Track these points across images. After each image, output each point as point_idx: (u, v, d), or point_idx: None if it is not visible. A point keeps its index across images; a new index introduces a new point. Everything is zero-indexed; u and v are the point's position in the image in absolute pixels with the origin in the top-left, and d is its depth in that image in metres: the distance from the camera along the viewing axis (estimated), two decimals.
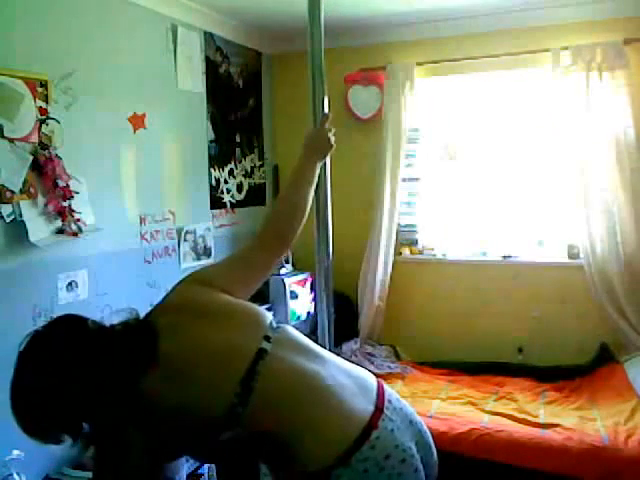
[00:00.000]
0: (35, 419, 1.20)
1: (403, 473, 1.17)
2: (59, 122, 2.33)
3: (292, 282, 3.52)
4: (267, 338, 1.21)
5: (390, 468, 1.14)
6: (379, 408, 1.21)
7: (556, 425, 2.65)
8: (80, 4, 2.49)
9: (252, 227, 3.85)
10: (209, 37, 3.38)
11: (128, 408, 1.11)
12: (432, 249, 3.80)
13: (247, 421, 1.13)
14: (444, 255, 3.73)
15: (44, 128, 2.27)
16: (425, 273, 3.77)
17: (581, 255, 3.35)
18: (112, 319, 1.21)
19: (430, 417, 2.80)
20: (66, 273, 2.39)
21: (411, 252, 3.81)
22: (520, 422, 2.73)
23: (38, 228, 2.22)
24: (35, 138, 2.23)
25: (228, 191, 3.59)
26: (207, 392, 1.14)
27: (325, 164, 1.60)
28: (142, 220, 2.87)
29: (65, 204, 2.32)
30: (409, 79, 3.56)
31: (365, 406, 1.20)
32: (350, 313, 3.79)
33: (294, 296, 3.51)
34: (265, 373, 1.15)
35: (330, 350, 1.49)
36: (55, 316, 1.23)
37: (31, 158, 2.20)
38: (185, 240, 3.14)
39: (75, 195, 2.36)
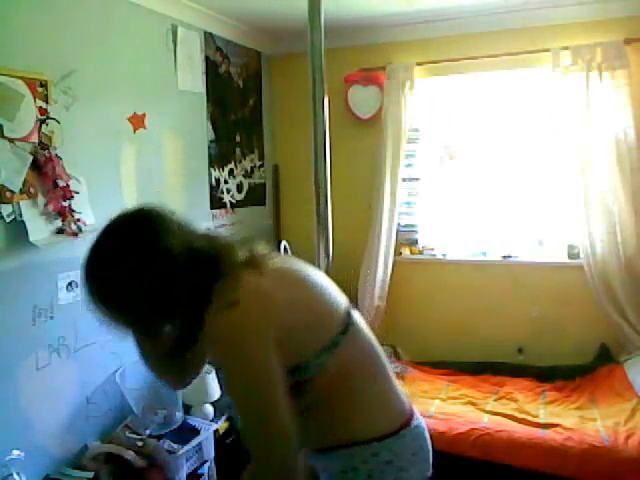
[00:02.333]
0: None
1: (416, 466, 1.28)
2: (59, 122, 2.33)
3: None
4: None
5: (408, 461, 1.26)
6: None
7: (556, 425, 2.65)
8: (80, 4, 2.49)
9: (252, 227, 3.85)
10: (209, 37, 3.38)
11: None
12: (432, 249, 3.80)
13: (337, 358, 1.21)
14: (444, 255, 3.74)
15: (44, 128, 2.27)
16: (425, 273, 3.77)
17: (581, 255, 3.35)
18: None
19: (430, 417, 2.80)
20: (66, 273, 2.39)
21: (411, 252, 3.81)
22: (520, 422, 2.73)
23: (38, 228, 2.22)
24: (35, 138, 2.23)
25: (228, 191, 3.59)
26: (321, 313, 1.24)
27: (325, 163, 1.60)
28: None
29: (65, 204, 2.32)
30: (409, 79, 3.56)
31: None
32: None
33: None
34: (354, 330, 1.27)
35: None
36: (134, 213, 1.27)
37: (31, 158, 2.20)
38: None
39: (75, 195, 2.36)
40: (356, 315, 1.33)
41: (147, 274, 1.14)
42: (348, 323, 1.27)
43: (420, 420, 1.33)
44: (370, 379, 1.28)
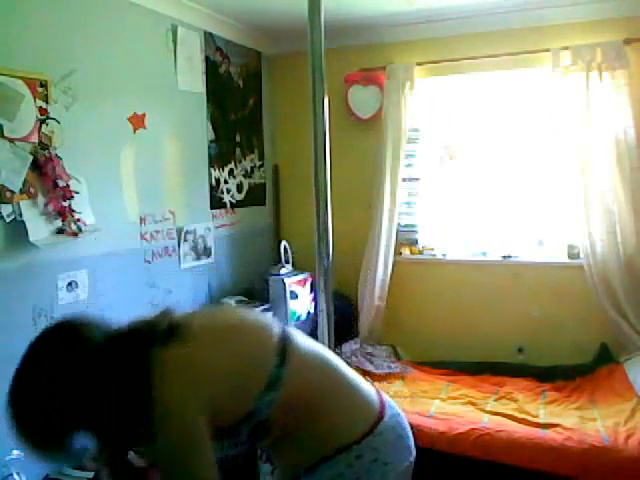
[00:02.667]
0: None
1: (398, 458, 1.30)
2: (59, 122, 2.33)
3: (292, 282, 3.51)
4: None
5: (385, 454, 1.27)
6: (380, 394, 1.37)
7: (556, 425, 2.65)
8: (80, 4, 2.49)
9: (252, 227, 3.85)
10: (209, 37, 3.38)
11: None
12: (432, 249, 3.80)
13: (285, 389, 1.20)
14: (444, 255, 3.74)
15: (44, 128, 2.27)
16: (425, 273, 3.77)
17: (581, 255, 3.35)
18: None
19: (430, 417, 2.80)
20: (66, 273, 2.39)
21: (411, 252, 3.81)
22: (520, 422, 2.73)
23: (38, 228, 2.22)
24: (35, 138, 2.23)
25: (228, 191, 3.59)
26: (250, 354, 1.23)
27: (325, 163, 1.60)
28: (142, 220, 2.87)
29: (65, 204, 2.32)
30: (409, 79, 3.56)
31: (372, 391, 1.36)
32: (350, 313, 3.79)
33: (294, 296, 3.50)
34: (293, 354, 1.25)
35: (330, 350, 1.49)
36: (52, 324, 1.23)
37: (31, 158, 2.20)
38: (185, 240, 3.14)
39: (75, 195, 2.36)
40: (295, 337, 1.31)
41: (80, 374, 1.12)
42: (284, 351, 1.25)
43: (393, 407, 1.34)
44: (329, 392, 1.28)
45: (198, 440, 1.13)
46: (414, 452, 1.35)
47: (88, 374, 1.12)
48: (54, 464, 1.23)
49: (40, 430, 1.13)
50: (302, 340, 1.32)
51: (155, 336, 1.18)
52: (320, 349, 1.35)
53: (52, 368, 1.13)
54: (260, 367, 1.22)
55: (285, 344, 1.26)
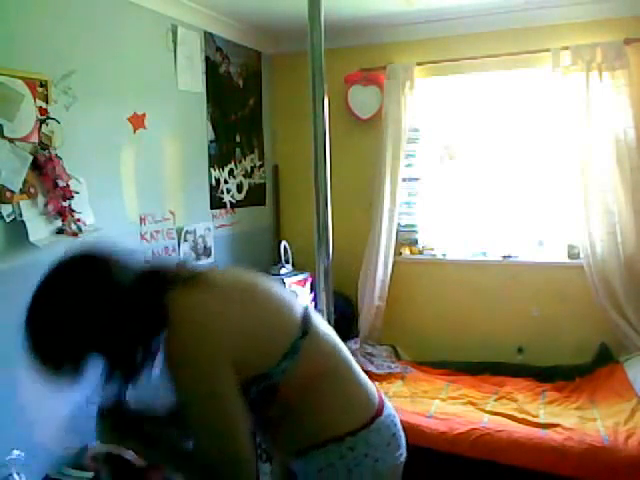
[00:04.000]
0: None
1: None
2: (59, 122, 2.33)
3: (292, 282, 3.51)
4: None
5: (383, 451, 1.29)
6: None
7: (556, 425, 2.65)
8: (81, 4, 2.49)
9: (252, 227, 3.85)
10: (209, 37, 3.38)
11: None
12: (432, 249, 3.80)
13: (299, 363, 1.22)
14: (444, 255, 3.74)
15: (44, 128, 2.27)
16: (425, 273, 3.77)
17: (581, 255, 3.35)
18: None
19: (430, 417, 2.80)
20: None
21: (411, 252, 3.81)
22: (520, 422, 2.73)
23: (38, 228, 2.22)
24: (35, 138, 2.23)
25: (228, 191, 3.59)
26: (275, 321, 1.25)
27: (325, 163, 1.60)
28: (142, 220, 2.87)
29: (65, 204, 2.32)
30: (409, 79, 3.56)
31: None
32: (350, 313, 3.79)
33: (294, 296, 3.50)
34: (313, 332, 1.28)
35: None
36: (78, 250, 1.33)
37: (31, 158, 2.20)
38: (185, 240, 3.14)
39: (75, 195, 2.36)
40: (315, 317, 1.34)
41: (98, 306, 1.15)
42: (306, 327, 1.28)
43: (390, 408, 1.36)
44: (335, 377, 1.30)
45: (215, 384, 1.14)
46: (405, 453, 1.35)
47: (105, 306, 1.15)
48: (62, 383, 1.32)
49: (53, 350, 1.24)
50: (320, 322, 1.35)
51: (176, 279, 1.21)
52: (334, 335, 1.37)
53: (73, 294, 1.20)
54: (283, 336, 1.24)
55: (307, 321, 1.29)
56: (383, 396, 1.38)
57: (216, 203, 3.48)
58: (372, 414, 1.29)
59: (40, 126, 2.25)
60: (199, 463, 1.15)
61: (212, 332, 1.15)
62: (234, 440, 1.13)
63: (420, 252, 3.82)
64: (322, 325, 1.35)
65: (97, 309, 1.15)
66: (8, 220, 2.13)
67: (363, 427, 1.26)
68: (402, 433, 1.35)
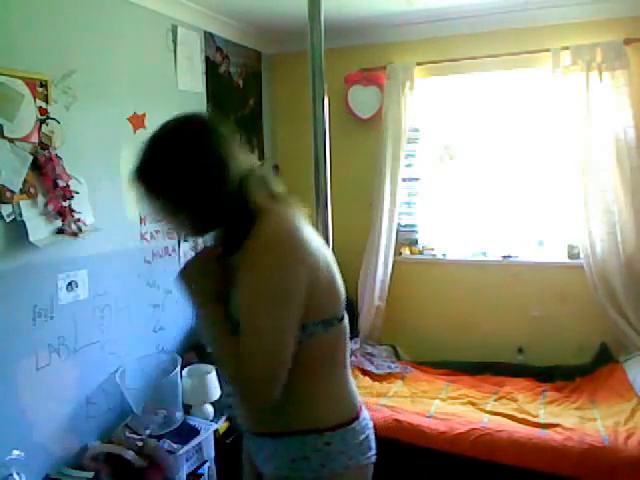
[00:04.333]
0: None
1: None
2: (59, 122, 2.33)
3: None
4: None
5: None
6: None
7: (556, 425, 2.65)
8: (80, 4, 2.49)
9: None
10: (209, 37, 3.38)
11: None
12: (432, 249, 3.80)
13: (324, 338, 1.25)
14: (444, 255, 3.74)
15: (44, 128, 2.27)
16: (425, 273, 3.77)
17: (581, 255, 3.35)
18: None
19: (430, 417, 2.80)
20: (66, 273, 2.39)
21: (411, 252, 3.81)
22: (520, 422, 2.73)
23: (38, 228, 2.22)
24: (35, 138, 2.23)
25: None
26: (335, 290, 1.28)
27: (325, 163, 1.59)
28: (142, 220, 2.87)
29: (65, 204, 2.32)
30: (409, 79, 3.56)
31: None
32: (350, 313, 3.76)
33: None
34: (344, 321, 1.34)
35: None
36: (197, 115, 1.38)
37: (31, 158, 2.20)
38: (185, 240, 3.14)
39: (75, 195, 2.36)
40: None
41: (210, 169, 1.21)
42: (343, 313, 1.33)
43: (366, 412, 1.38)
44: (334, 371, 1.32)
45: (288, 303, 1.16)
46: (375, 454, 1.36)
47: (206, 174, 1.20)
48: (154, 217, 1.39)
49: (158, 184, 1.25)
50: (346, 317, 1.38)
51: (280, 195, 1.29)
52: (348, 334, 1.39)
53: (192, 145, 1.24)
54: (333, 304, 1.28)
55: (344, 309, 1.34)
56: (362, 401, 1.40)
57: None
58: (353, 415, 1.31)
59: (40, 126, 2.25)
60: (238, 363, 1.16)
61: (300, 260, 1.18)
62: (278, 360, 1.15)
63: (420, 252, 3.82)
64: (346, 319, 1.37)
65: (207, 170, 1.20)
66: (8, 220, 2.13)
67: (343, 425, 1.27)
68: (373, 436, 1.37)
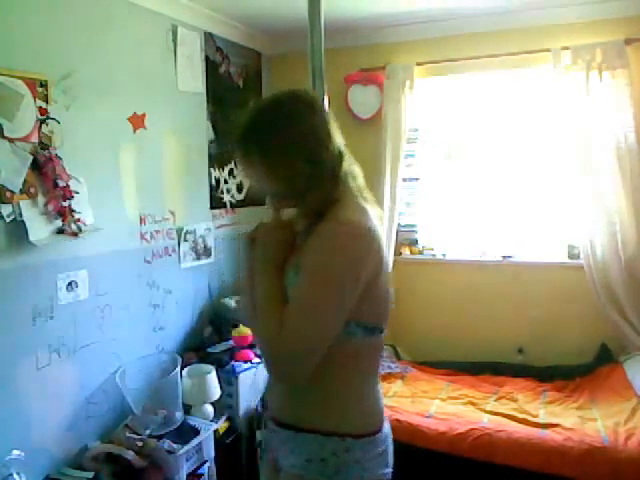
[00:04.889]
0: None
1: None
2: (59, 122, 2.33)
3: None
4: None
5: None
6: None
7: (556, 425, 2.65)
8: (80, 4, 2.49)
9: (252, 227, 3.84)
10: (209, 37, 3.38)
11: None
12: (432, 249, 3.80)
13: (364, 343, 1.26)
14: (444, 255, 3.74)
15: (44, 128, 2.27)
16: (425, 273, 3.77)
17: (581, 255, 3.35)
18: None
19: (430, 417, 2.80)
20: (66, 273, 2.40)
21: (411, 252, 3.81)
22: (520, 422, 2.73)
23: (38, 228, 2.22)
24: (35, 138, 2.23)
25: (228, 191, 3.59)
26: (385, 297, 1.29)
27: None
28: (142, 220, 2.87)
29: (65, 204, 2.32)
30: (409, 79, 3.56)
31: None
32: None
33: None
34: (383, 335, 1.33)
35: None
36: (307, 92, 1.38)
37: (31, 158, 2.20)
38: (185, 240, 3.14)
39: (75, 195, 2.36)
40: None
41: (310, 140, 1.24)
42: (384, 327, 1.32)
43: (388, 427, 1.36)
44: (371, 380, 1.32)
45: (345, 289, 1.16)
46: (391, 472, 1.34)
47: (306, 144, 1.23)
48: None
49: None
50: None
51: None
52: (383, 350, 1.40)
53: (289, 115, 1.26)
54: (380, 313, 1.28)
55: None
56: (386, 415, 1.39)
57: (216, 203, 3.48)
58: (376, 427, 1.29)
59: (40, 126, 2.25)
60: (280, 334, 1.16)
61: (368, 256, 1.19)
62: (318, 340, 1.16)
63: (420, 252, 3.82)
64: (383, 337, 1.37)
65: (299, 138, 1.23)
66: (8, 220, 2.13)
67: (366, 435, 1.26)
68: (392, 451, 1.35)
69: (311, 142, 1.24)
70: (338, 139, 1.30)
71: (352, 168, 1.36)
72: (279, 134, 1.23)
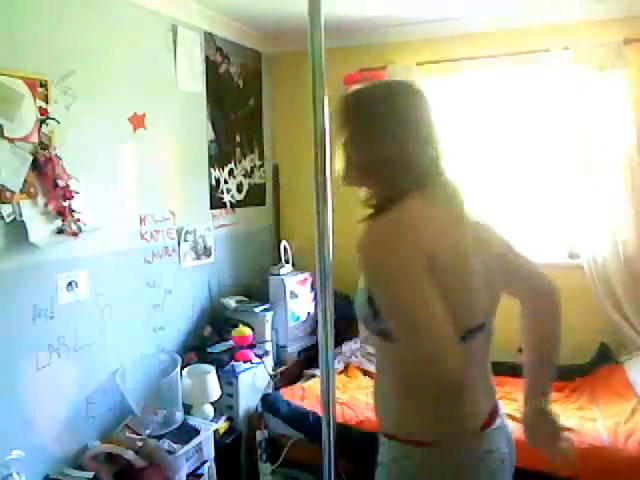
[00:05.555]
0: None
1: None
2: (59, 122, 2.33)
3: (292, 282, 3.51)
4: None
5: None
6: None
7: None
8: (80, 4, 2.49)
9: (252, 227, 3.85)
10: (209, 37, 3.38)
11: None
12: None
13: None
14: None
15: (44, 128, 2.27)
16: None
17: (581, 255, 3.35)
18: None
19: None
20: (66, 273, 2.40)
21: None
22: (520, 422, 2.72)
23: (38, 228, 2.22)
24: (35, 138, 2.23)
25: (228, 191, 3.59)
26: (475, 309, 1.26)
27: (325, 163, 1.59)
28: (142, 220, 2.87)
29: (65, 204, 2.32)
30: (409, 79, 3.55)
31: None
32: (350, 313, 3.78)
33: (294, 296, 3.50)
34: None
35: (330, 350, 1.49)
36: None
37: (31, 158, 2.20)
38: (185, 240, 3.14)
39: (75, 195, 2.36)
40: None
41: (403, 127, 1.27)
42: (466, 335, 1.20)
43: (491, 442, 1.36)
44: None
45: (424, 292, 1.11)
46: None
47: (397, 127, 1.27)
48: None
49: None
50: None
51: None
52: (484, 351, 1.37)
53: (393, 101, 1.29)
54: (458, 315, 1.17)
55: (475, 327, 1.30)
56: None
57: (216, 203, 3.48)
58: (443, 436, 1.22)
59: (40, 126, 2.25)
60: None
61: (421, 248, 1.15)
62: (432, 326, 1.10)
63: None
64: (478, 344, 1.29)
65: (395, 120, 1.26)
66: (8, 220, 2.13)
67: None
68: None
69: (413, 126, 1.30)
70: (435, 132, 1.36)
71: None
72: (384, 111, 1.27)
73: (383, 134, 1.24)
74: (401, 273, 1.12)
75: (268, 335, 3.32)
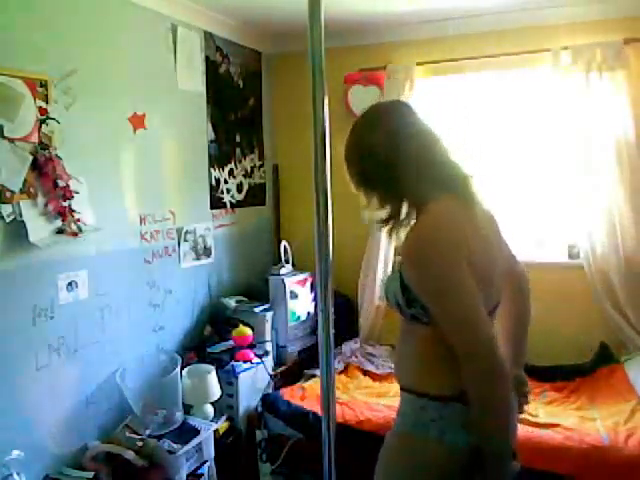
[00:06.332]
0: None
1: None
2: (59, 122, 2.33)
3: (292, 282, 3.51)
4: None
5: None
6: None
7: (556, 425, 2.64)
8: (80, 4, 2.49)
9: (252, 227, 3.85)
10: (209, 37, 3.38)
11: None
12: None
13: None
14: None
15: (44, 128, 2.27)
16: None
17: (581, 255, 3.35)
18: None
19: None
20: (66, 273, 2.40)
21: None
22: (520, 422, 2.72)
23: (38, 228, 2.22)
24: (35, 138, 2.23)
25: (228, 191, 3.59)
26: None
27: (325, 162, 1.59)
28: (142, 220, 2.87)
29: (65, 204, 2.32)
30: (409, 79, 3.55)
31: None
32: (350, 313, 3.79)
33: (294, 296, 3.50)
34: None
35: (330, 350, 1.50)
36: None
37: (31, 158, 2.20)
38: (185, 240, 3.15)
39: (75, 195, 2.36)
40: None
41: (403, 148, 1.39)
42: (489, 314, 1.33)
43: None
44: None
45: (467, 288, 1.24)
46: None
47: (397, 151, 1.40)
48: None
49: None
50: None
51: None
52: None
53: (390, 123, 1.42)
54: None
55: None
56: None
57: (216, 203, 3.48)
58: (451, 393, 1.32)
59: (40, 126, 2.26)
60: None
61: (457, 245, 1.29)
62: (478, 324, 1.23)
63: None
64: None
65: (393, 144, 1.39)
66: (8, 220, 2.13)
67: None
68: None
69: (414, 142, 1.40)
70: (440, 145, 1.46)
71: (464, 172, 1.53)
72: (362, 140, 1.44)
73: (403, 147, 1.38)
74: (453, 272, 1.25)
75: (268, 335, 3.32)
